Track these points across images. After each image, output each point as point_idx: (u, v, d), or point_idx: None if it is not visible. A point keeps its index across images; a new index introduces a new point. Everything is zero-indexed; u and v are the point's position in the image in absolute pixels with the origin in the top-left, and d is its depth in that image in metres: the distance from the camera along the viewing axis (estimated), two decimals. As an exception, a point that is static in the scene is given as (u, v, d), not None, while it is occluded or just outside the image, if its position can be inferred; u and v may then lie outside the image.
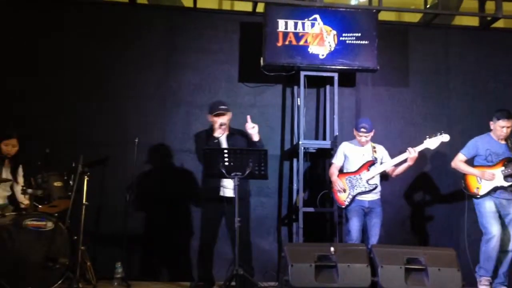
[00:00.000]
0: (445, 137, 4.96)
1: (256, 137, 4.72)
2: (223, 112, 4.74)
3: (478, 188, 4.91)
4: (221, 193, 4.71)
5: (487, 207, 4.88)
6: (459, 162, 5.06)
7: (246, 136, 4.79)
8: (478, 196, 4.91)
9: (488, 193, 4.87)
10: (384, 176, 5.22)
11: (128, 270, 5.15)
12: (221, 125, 4.70)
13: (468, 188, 4.98)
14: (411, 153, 4.88)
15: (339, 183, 5.00)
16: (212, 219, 4.79)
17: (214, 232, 4.82)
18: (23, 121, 5.47)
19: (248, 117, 4.74)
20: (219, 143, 4.75)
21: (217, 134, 4.71)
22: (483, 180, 4.90)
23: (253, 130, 4.69)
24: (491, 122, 5.06)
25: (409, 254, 4.25)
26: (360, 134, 5.02)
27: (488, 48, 6.33)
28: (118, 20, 5.90)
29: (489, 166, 4.92)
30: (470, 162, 5.09)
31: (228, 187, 4.68)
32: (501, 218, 4.91)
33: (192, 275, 5.41)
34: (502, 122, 4.96)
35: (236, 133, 4.89)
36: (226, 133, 4.87)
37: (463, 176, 5.05)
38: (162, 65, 5.89)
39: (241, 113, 5.32)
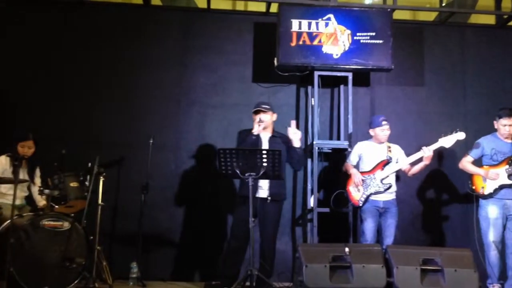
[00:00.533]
0: (461, 135, 4.92)
1: (296, 143, 4.71)
2: (262, 109, 4.78)
3: (483, 187, 4.89)
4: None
5: (489, 212, 4.85)
6: (465, 162, 5.06)
7: (287, 141, 4.79)
8: (484, 195, 4.87)
9: (494, 193, 4.84)
10: (398, 176, 5.19)
11: (143, 270, 5.18)
12: (260, 121, 4.70)
13: (474, 188, 4.96)
14: (426, 153, 4.85)
15: (358, 175, 4.97)
16: (243, 220, 4.76)
17: (245, 233, 4.70)
18: (39, 121, 5.54)
19: (293, 122, 4.78)
20: (257, 140, 4.73)
21: (254, 130, 4.70)
22: (488, 180, 4.87)
23: (294, 136, 4.70)
24: (494, 122, 5.06)
25: (425, 254, 4.23)
26: (383, 128, 5.01)
27: (504, 46, 6.26)
28: (132, 21, 5.94)
29: (494, 165, 4.90)
30: (478, 162, 5.07)
31: (262, 188, 4.69)
32: (506, 220, 4.87)
33: (208, 275, 5.43)
34: (504, 121, 4.95)
35: (279, 136, 4.89)
36: (270, 134, 4.87)
37: (470, 176, 5.04)
38: (176, 66, 5.91)
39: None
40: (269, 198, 4.67)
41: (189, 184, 5.70)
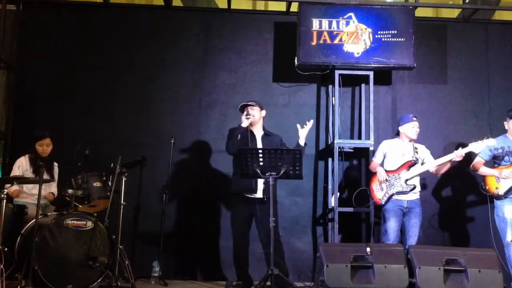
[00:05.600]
0: (491, 141, 4.84)
1: (302, 141, 4.77)
2: (249, 104, 4.87)
3: (497, 188, 4.84)
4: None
5: (506, 212, 4.79)
6: (478, 164, 5.01)
7: (280, 138, 4.93)
8: (499, 196, 4.81)
9: (508, 192, 4.77)
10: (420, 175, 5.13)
11: (165, 269, 5.23)
12: (247, 114, 4.77)
13: (488, 189, 4.91)
14: (457, 158, 4.79)
15: (383, 173, 4.92)
16: (242, 220, 4.83)
17: (245, 233, 4.85)
18: (62, 122, 5.64)
19: (311, 121, 4.81)
20: (250, 138, 4.76)
21: (243, 124, 4.76)
22: (502, 180, 4.82)
23: (302, 133, 4.75)
24: (505, 122, 5.03)
25: (448, 255, 4.17)
26: (414, 124, 4.98)
27: (529, 43, 6.14)
28: (154, 22, 6.00)
29: (506, 166, 4.85)
30: (490, 164, 5.03)
31: (258, 188, 4.73)
32: None
33: (228, 275, 5.45)
34: None
35: (271, 135, 4.96)
36: (262, 132, 4.91)
37: (483, 178, 4.99)
38: (197, 66, 5.95)
39: (275, 113, 5.33)
40: (265, 197, 4.70)
41: (210, 184, 5.72)
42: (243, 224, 4.83)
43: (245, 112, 4.81)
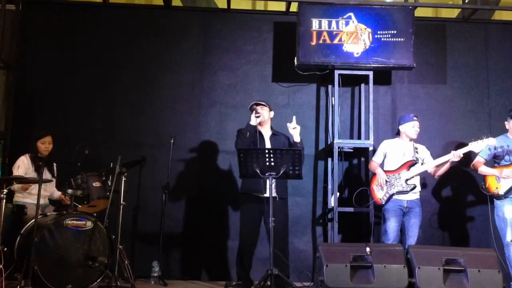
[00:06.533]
0: (491, 141, 4.84)
1: (297, 138, 4.78)
2: (259, 103, 4.91)
3: (497, 188, 4.84)
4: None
5: (506, 212, 4.80)
6: (478, 164, 5.01)
7: (288, 137, 4.92)
8: (499, 196, 4.82)
9: (508, 192, 4.78)
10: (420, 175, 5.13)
11: (165, 269, 5.24)
12: (257, 113, 4.79)
13: (488, 189, 4.91)
14: (455, 158, 4.78)
15: (382, 176, 4.93)
16: (251, 219, 4.82)
17: (254, 233, 4.85)
18: (62, 122, 5.64)
19: (294, 117, 4.81)
20: (259, 138, 4.79)
21: (252, 121, 4.78)
22: (502, 180, 4.82)
23: (294, 131, 4.77)
24: (505, 122, 5.04)
25: (448, 255, 4.17)
26: (414, 123, 4.98)
27: (529, 43, 6.13)
28: (154, 22, 6.00)
29: (507, 165, 4.85)
30: (490, 163, 5.04)
31: (266, 187, 4.69)
32: None
33: (228, 275, 5.45)
34: None
35: (279, 134, 4.97)
36: (270, 132, 4.94)
37: (483, 178, 4.99)
38: (197, 66, 5.95)
39: (275, 113, 5.29)
40: (277, 196, 4.66)
41: (210, 184, 5.72)
42: (253, 224, 4.81)
43: (254, 111, 4.82)
